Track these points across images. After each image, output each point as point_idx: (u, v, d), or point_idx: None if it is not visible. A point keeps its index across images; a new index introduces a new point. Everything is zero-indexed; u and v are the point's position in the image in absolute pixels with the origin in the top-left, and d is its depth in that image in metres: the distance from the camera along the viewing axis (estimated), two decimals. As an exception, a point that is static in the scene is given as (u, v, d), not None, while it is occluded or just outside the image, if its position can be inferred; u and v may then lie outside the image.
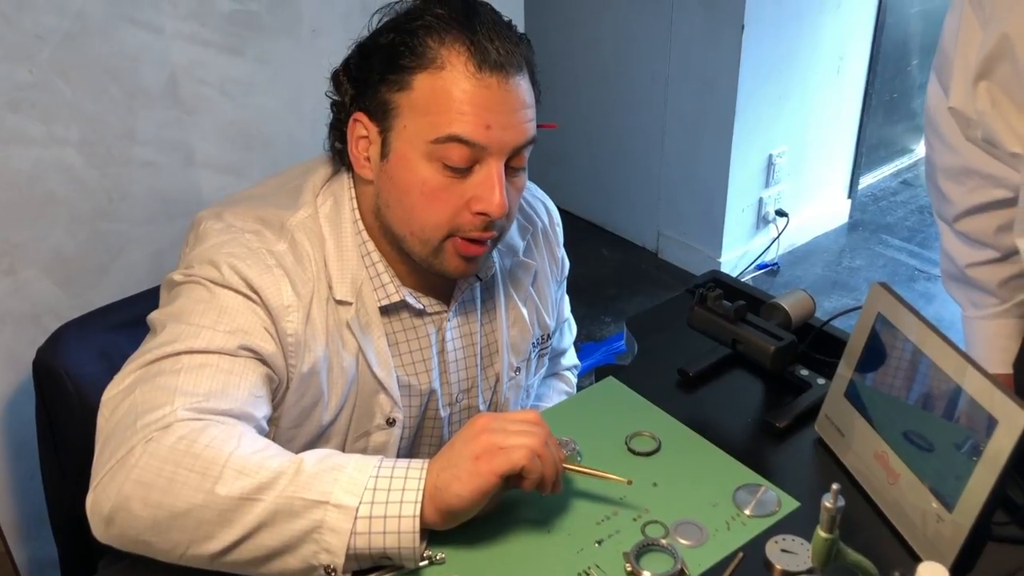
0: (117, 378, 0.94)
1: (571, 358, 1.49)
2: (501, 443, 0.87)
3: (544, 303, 1.26)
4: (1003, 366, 1.23)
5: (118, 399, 0.91)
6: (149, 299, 1.12)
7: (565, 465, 0.95)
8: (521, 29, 1.86)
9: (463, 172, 0.99)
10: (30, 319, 1.48)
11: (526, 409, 0.94)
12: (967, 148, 1.13)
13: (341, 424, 1.09)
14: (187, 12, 1.47)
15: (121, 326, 1.19)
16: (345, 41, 1.06)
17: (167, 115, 1.51)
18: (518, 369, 1.23)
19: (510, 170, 1.01)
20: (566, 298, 1.41)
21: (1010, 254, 1.18)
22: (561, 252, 1.32)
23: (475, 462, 0.86)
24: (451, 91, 0.96)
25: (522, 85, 0.99)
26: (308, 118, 1.66)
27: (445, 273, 1.06)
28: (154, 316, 1.01)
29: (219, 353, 0.94)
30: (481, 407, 1.22)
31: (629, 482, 0.96)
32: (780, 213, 3.32)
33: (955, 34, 1.08)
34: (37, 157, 1.40)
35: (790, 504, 0.98)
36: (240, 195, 1.12)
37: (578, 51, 3.38)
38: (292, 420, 1.05)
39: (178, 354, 0.93)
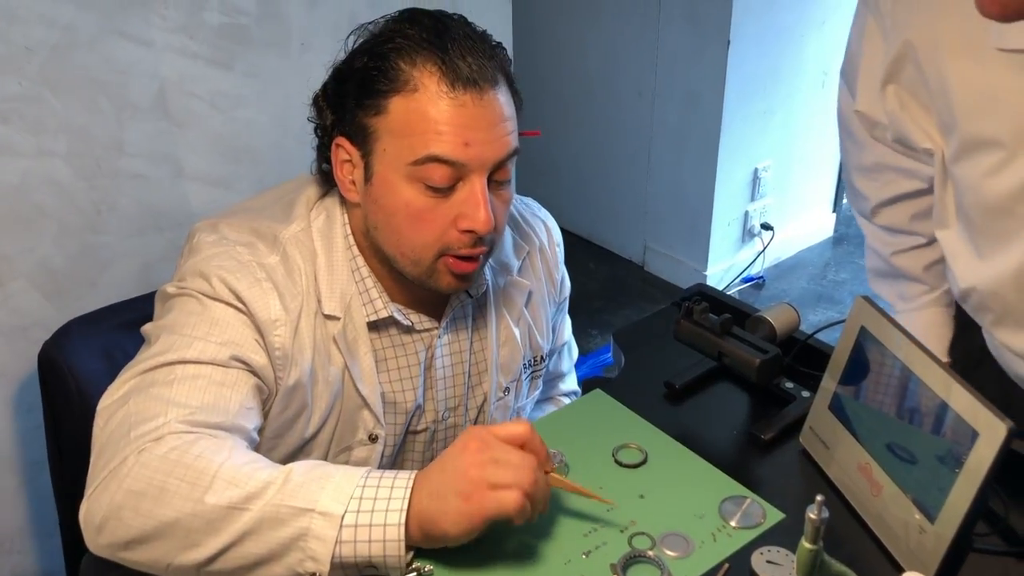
0: (112, 387, 0.95)
1: (570, 383, 1.46)
2: (492, 480, 0.85)
3: (538, 325, 1.25)
4: (940, 355, 1.24)
5: (112, 409, 0.92)
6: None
7: (553, 476, 0.94)
8: (509, 44, 1.87)
9: (446, 191, 0.99)
10: (18, 332, 1.48)
11: (518, 421, 0.92)
12: (878, 145, 1.18)
13: (323, 438, 1.09)
14: (177, 25, 1.48)
15: (129, 324, 1.19)
16: (334, 55, 1.07)
17: (156, 128, 1.52)
18: (507, 390, 1.22)
19: (494, 183, 1.01)
20: (567, 320, 1.39)
21: (932, 240, 1.20)
22: (561, 273, 1.31)
23: (465, 502, 0.84)
24: (426, 112, 0.96)
25: (499, 98, 0.99)
26: (296, 132, 1.66)
27: (439, 290, 1.06)
28: (148, 328, 1.02)
29: (211, 364, 0.95)
30: (466, 427, 1.21)
31: (614, 504, 0.97)
32: (765, 227, 3.35)
33: (860, 42, 1.14)
34: (26, 169, 1.40)
35: (775, 516, 0.99)
36: (237, 207, 1.13)
37: (566, 65, 3.40)
38: (274, 431, 1.05)
39: (171, 364, 0.94)
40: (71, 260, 1.50)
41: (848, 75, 1.20)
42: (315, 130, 1.08)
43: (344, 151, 1.03)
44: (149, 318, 1.06)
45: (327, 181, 1.09)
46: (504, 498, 0.85)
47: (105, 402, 0.94)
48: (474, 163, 0.97)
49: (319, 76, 1.08)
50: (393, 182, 0.99)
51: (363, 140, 1.00)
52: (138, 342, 1.03)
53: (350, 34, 1.04)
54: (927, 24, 0.98)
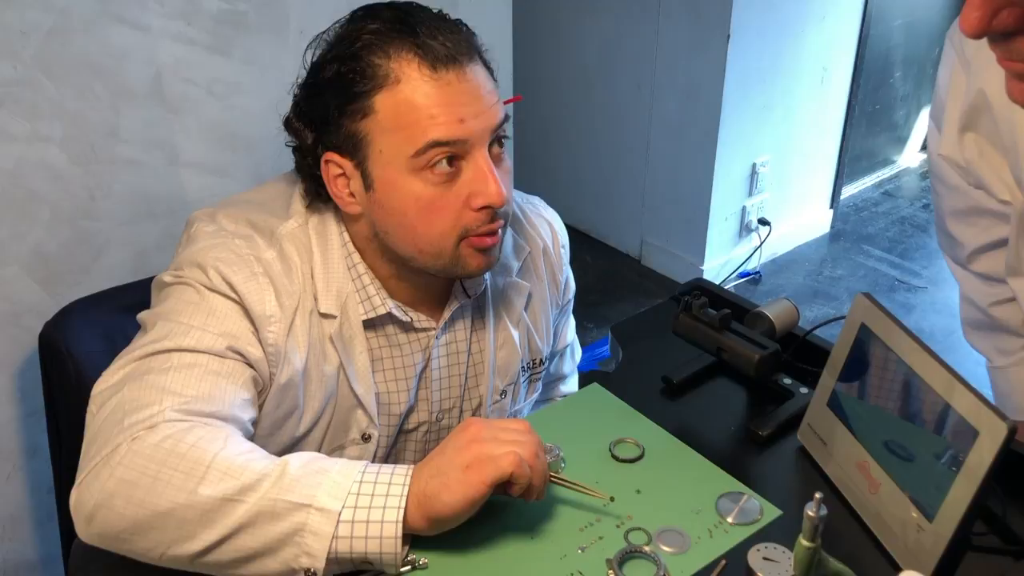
0: (107, 373, 0.94)
1: (571, 385, 1.43)
2: (491, 452, 0.87)
3: (538, 327, 1.23)
4: None
5: (107, 395, 0.91)
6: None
7: (550, 474, 0.94)
8: (508, 35, 1.86)
9: (452, 175, 0.97)
10: (10, 318, 1.46)
11: (516, 418, 0.93)
12: (975, 189, 1.12)
13: (315, 436, 1.08)
14: (174, 11, 1.46)
15: (130, 307, 1.19)
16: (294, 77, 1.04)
17: (152, 114, 1.50)
18: (504, 393, 1.21)
19: (494, 156, 1.00)
20: (571, 322, 1.37)
21: None
22: (565, 274, 1.29)
23: (465, 472, 0.86)
24: (414, 100, 0.94)
25: (479, 71, 0.98)
26: (294, 119, 1.65)
27: (467, 275, 1.06)
28: (144, 315, 1.01)
29: (208, 354, 0.94)
30: None
31: (611, 499, 0.97)
32: (763, 222, 3.34)
33: (947, 84, 1.09)
34: (20, 154, 1.39)
35: (772, 512, 0.99)
36: (238, 197, 1.11)
37: (565, 57, 3.38)
38: (266, 428, 1.04)
39: (168, 351, 0.93)
40: (64, 246, 1.48)
41: (936, 117, 1.15)
42: (294, 152, 1.05)
43: (335, 165, 1.00)
44: (150, 302, 1.05)
45: (318, 200, 1.05)
46: (503, 461, 0.86)
47: (99, 388, 0.93)
48: (473, 136, 0.96)
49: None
50: (396, 181, 0.97)
51: (354, 148, 0.98)
52: (138, 325, 1.02)
53: (307, 49, 1.02)
54: (1003, 76, 0.95)
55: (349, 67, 0.96)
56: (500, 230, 1.03)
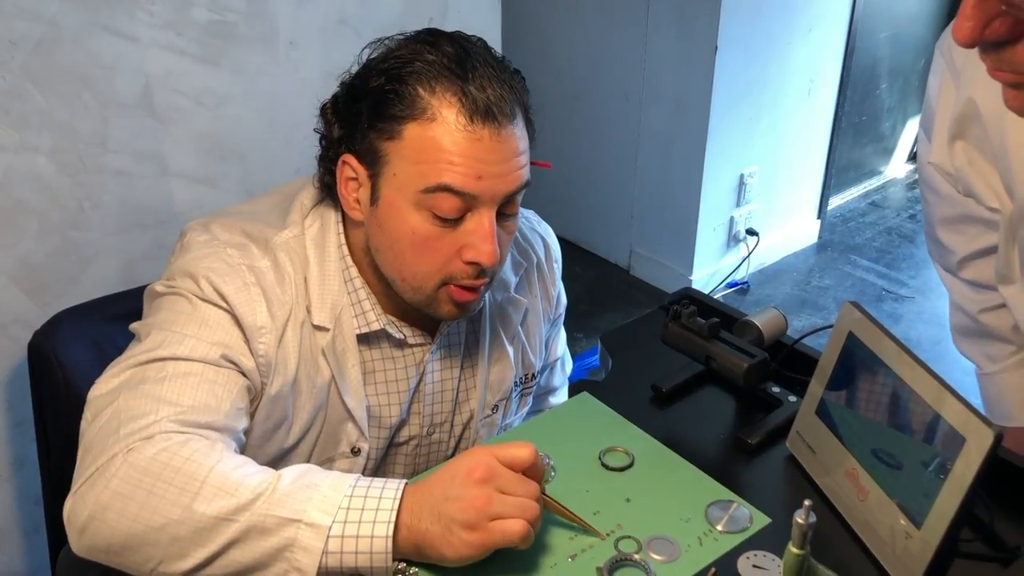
0: (101, 380, 0.93)
1: (561, 398, 1.43)
2: (499, 513, 0.85)
3: (531, 343, 1.24)
4: None
5: (102, 403, 0.90)
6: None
7: (546, 497, 0.93)
8: (497, 46, 1.87)
9: (454, 221, 0.97)
10: (-3, 328, 1.46)
11: (522, 444, 0.91)
12: (964, 197, 1.13)
13: (304, 448, 1.08)
14: (163, 21, 1.46)
15: (120, 317, 1.19)
16: (322, 54, 1.05)
17: (141, 124, 1.50)
18: (495, 407, 1.21)
19: (502, 216, 1.00)
20: (562, 335, 1.37)
21: None
22: (557, 289, 1.29)
23: (470, 533, 0.84)
24: (441, 142, 0.94)
25: (515, 133, 0.97)
26: (283, 130, 1.66)
27: (438, 317, 1.05)
28: (137, 325, 1.01)
29: (203, 362, 0.94)
30: (451, 442, 1.20)
31: (603, 537, 0.96)
32: (751, 232, 3.36)
33: (937, 93, 1.10)
34: (8, 164, 1.38)
35: (762, 520, 0.99)
36: (232, 208, 1.11)
37: (554, 69, 3.40)
38: (256, 439, 1.04)
39: (163, 360, 0.93)
40: (53, 257, 1.48)
41: (925, 125, 1.16)
42: (320, 140, 1.06)
43: (350, 168, 1.01)
44: (140, 311, 1.05)
45: (328, 194, 1.06)
46: (510, 528, 0.85)
47: (94, 393, 0.92)
48: (485, 195, 0.96)
49: (307, 75, 1.07)
50: (400, 207, 0.97)
51: (372, 161, 0.98)
52: (128, 335, 1.02)
53: (365, 47, 1.02)
54: (992, 85, 0.97)
55: (393, 88, 0.95)
56: (483, 288, 1.03)
